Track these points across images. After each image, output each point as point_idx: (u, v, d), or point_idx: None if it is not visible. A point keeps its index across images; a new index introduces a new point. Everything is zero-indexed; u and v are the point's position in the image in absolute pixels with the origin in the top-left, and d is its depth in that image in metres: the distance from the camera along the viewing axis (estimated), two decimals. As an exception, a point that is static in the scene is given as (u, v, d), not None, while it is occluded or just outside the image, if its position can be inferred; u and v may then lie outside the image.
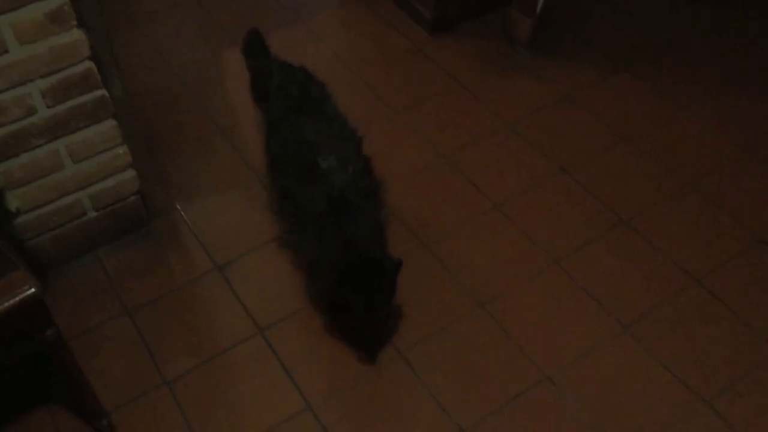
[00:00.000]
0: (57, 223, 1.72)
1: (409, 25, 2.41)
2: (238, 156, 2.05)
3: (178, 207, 1.93)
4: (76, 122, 1.58)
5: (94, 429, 1.52)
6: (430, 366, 1.61)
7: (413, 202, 1.94)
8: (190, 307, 1.74)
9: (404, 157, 2.05)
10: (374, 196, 1.74)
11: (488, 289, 1.74)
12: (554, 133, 2.08)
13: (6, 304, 1.18)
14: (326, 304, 1.69)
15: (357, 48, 2.40)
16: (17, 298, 1.19)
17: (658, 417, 1.52)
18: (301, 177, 1.69)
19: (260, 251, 1.84)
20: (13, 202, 1.60)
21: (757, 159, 2.01)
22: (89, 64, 1.51)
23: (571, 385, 1.57)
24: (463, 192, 1.95)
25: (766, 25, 2.40)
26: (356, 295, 1.54)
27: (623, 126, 2.10)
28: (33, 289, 1.20)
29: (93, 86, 1.55)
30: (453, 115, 2.15)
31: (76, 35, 1.46)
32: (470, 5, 2.41)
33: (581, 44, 2.35)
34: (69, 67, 1.49)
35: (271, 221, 1.87)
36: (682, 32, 2.38)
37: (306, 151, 1.70)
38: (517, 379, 1.59)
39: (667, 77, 2.24)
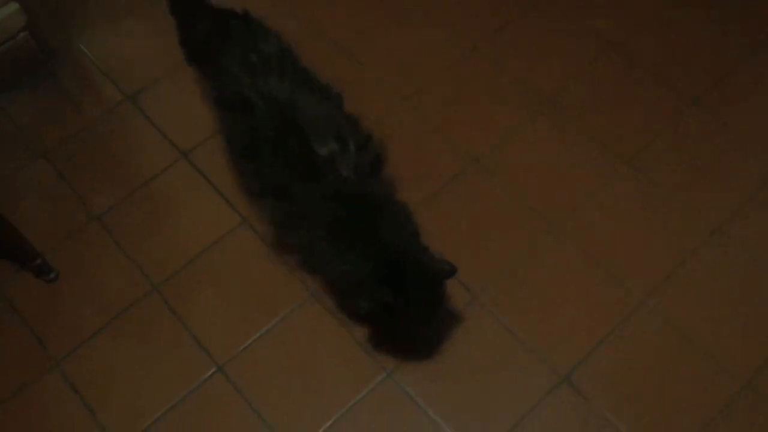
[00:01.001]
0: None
1: None
2: (132, -21, 1.91)
3: (77, 42, 1.81)
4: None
5: (32, 272, 1.51)
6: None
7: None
8: (107, 142, 1.68)
9: None
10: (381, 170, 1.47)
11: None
12: None
13: None
14: (370, 321, 1.42)
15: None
16: None
17: (584, 184, 1.57)
18: (293, 170, 1.37)
19: (172, 76, 1.76)
20: None
21: None
22: None
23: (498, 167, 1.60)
24: None
25: None
26: (409, 309, 1.28)
27: None
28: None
29: None
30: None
31: None
32: None
33: None
34: None
35: (178, 47, 1.75)
36: None
37: (291, 130, 1.38)
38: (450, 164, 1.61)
39: None
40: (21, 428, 1.37)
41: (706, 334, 1.38)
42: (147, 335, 1.46)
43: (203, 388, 1.39)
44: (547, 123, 1.65)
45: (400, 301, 1.25)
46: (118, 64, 1.79)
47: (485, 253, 1.49)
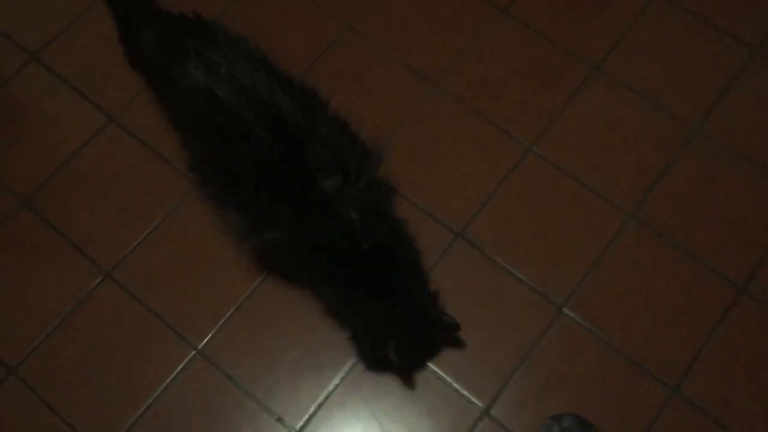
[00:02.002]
0: None
1: None
2: None
3: None
4: None
5: None
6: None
7: None
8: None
9: None
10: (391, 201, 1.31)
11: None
12: None
13: None
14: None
15: None
16: None
17: (462, 38, 1.53)
18: (288, 208, 1.18)
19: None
20: None
21: None
22: None
23: (372, 30, 1.54)
24: None
25: None
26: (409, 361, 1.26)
27: None
28: None
29: None
30: None
31: None
32: None
33: None
34: None
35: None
36: None
37: (282, 156, 1.18)
38: None
39: None
40: None
41: (591, 174, 1.40)
42: (25, 253, 1.37)
43: (93, 297, 1.33)
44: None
45: (402, 356, 1.22)
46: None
47: (370, 115, 1.45)
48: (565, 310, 1.30)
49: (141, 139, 1.44)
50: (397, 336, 1.22)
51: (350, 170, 1.20)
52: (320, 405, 1.26)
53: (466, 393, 1.26)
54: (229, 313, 1.32)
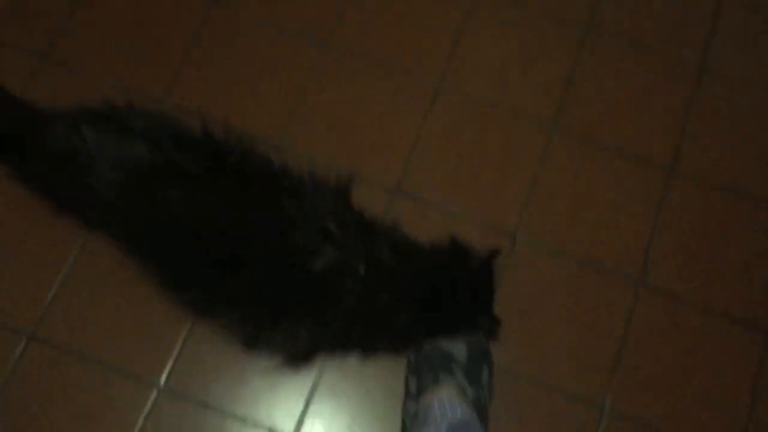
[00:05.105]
0: None
1: None
2: None
3: None
4: None
5: None
6: None
7: None
8: None
9: None
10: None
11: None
12: None
13: None
14: None
15: None
16: None
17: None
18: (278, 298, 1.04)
19: None
20: None
21: None
22: None
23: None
24: None
25: None
26: None
27: None
28: None
29: None
30: None
31: None
32: None
33: None
34: None
35: None
36: None
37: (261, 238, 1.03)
38: None
39: None
40: None
41: (503, 97, 1.39)
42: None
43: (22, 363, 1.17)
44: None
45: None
46: None
47: (267, 98, 1.35)
48: (517, 236, 1.30)
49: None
50: None
51: (334, 233, 1.05)
52: (307, 402, 1.19)
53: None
54: (181, 340, 1.21)
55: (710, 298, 1.28)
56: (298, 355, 1.16)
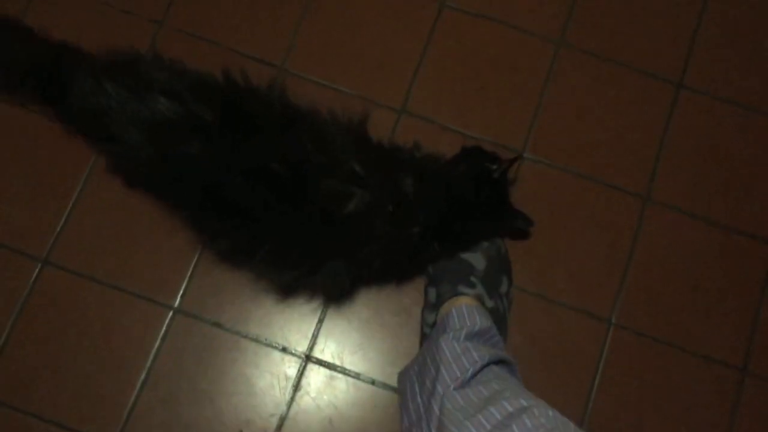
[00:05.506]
0: None
1: None
2: None
3: None
4: None
5: None
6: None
7: None
8: None
9: None
10: None
11: None
12: None
13: None
14: None
15: None
16: None
17: None
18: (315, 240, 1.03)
19: None
20: None
21: None
22: None
23: None
24: None
25: None
26: None
27: None
28: None
29: None
30: None
31: None
32: None
33: None
34: None
35: None
36: None
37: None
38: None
39: None
40: None
41: (509, 12, 1.36)
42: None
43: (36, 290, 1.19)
44: None
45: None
46: None
47: (261, 27, 1.33)
48: (525, 155, 1.29)
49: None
50: None
51: (360, 175, 1.03)
52: (320, 321, 1.21)
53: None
54: (194, 262, 1.22)
55: (716, 212, 1.28)
56: (338, 295, 1.18)
